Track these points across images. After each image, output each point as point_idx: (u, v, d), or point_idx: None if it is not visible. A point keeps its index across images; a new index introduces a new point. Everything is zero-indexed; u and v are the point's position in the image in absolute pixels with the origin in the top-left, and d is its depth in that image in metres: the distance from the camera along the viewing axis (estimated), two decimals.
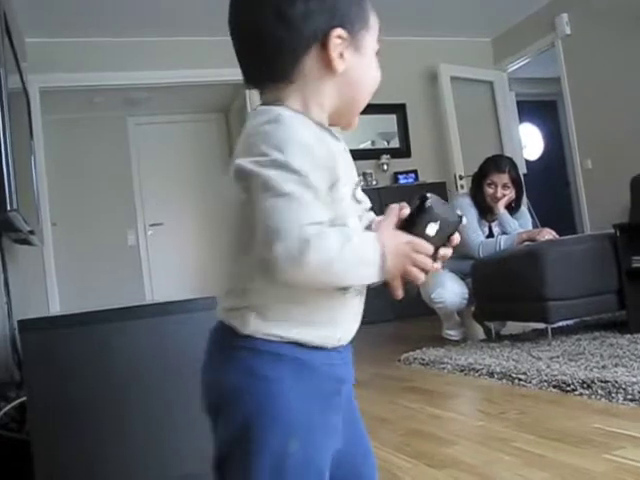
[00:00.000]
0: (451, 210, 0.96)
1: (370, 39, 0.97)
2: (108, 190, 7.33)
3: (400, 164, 6.68)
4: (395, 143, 6.93)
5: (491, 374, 2.95)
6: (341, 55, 0.93)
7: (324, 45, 0.92)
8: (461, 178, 6.39)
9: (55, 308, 5.47)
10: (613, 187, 5.44)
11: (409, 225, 0.94)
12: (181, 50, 6.01)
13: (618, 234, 3.63)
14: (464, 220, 0.97)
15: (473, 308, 4.15)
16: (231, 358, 0.92)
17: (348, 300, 0.95)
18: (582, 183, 6.23)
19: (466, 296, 4.14)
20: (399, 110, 6.88)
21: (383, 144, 6.90)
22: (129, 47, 5.89)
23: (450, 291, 4.11)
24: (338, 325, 0.95)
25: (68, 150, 7.07)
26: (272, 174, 0.82)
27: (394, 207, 0.96)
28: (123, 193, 7.48)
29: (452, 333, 4.25)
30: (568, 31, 6.14)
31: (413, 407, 2.59)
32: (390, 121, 6.89)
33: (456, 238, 0.97)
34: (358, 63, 0.96)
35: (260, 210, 0.83)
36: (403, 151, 6.87)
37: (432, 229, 0.94)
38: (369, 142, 6.87)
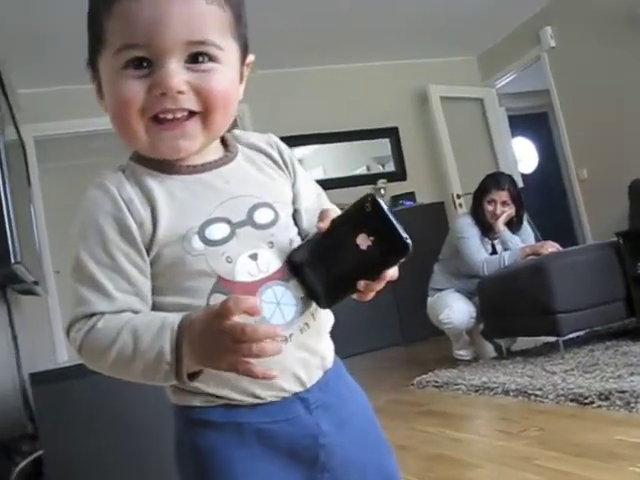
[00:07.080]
0: (398, 230, 0.70)
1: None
2: None
3: (397, 187, 6.67)
4: (390, 167, 6.93)
5: (506, 392, 2.92)
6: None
7: None
8: (459, 197, 6.39)
9: (63, 357, 5.43)
10: (611, 195, 5.44)
11: (340, 225, 0.73)
12: None
13: (621, 242, 3.62)
14: (409, 249, 0.70)
15: (482, 326, 4.13)
16: (175, 430, 0.84)
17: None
18: (579, 193, 6.23)
19: (474, 315, 4.11)
20: (392, 134, 6.89)
21: (378, 168, 6.91)
22: None
23: (457, 311, 4.08)
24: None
25: (67, 197, 6.99)
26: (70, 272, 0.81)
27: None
28: None
29: (463, 353, 4.22)
30: (553, 43, 6.18)
31: (432, 431, 2.56)
32: (384, 145, 6.90)
33: (390, 274, 0.75)
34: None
35: None
36: (399, 174, 6.87)
37: (363, 241, 0.71)
38: (364, 167, 6.88)
